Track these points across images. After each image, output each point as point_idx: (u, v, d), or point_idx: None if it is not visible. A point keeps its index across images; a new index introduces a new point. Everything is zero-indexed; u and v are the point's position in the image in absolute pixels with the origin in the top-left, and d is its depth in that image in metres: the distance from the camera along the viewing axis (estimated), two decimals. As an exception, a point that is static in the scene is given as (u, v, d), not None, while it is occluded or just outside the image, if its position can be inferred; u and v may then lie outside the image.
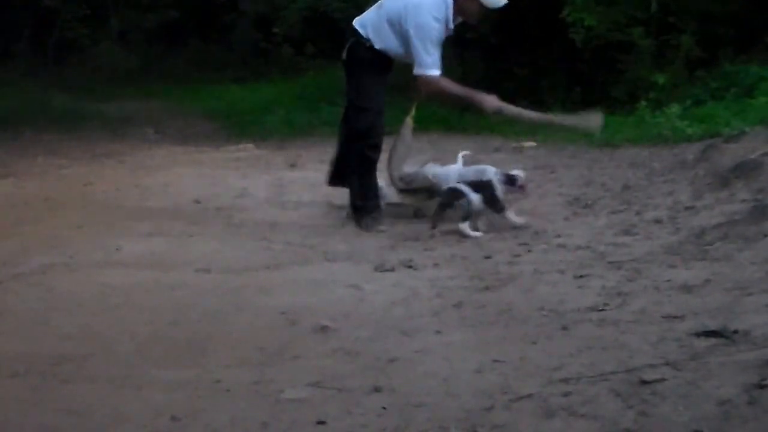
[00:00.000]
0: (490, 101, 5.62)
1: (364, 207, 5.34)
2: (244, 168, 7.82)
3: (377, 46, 5.40)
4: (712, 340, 2.84)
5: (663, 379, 2.56)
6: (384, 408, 2.57)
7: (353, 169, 5.45)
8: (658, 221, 4.91)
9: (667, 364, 2.68)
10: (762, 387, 2.39)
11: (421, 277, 4.08)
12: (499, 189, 5.03)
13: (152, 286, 4.03)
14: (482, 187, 4.99)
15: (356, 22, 5.56)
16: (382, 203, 5.46)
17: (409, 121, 5.84)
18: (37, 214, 5.68)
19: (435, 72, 5.38)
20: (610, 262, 4.11)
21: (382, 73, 5.57)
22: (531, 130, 10.94)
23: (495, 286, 3.86)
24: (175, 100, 15.28)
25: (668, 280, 3.67)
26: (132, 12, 17.98)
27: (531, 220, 5.40)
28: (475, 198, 4.91)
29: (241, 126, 12.12)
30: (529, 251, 4.53)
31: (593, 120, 6.02)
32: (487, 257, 4.44)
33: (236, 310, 3.67)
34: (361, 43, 5.42)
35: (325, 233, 5.13)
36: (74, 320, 3.53)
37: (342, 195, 5.71)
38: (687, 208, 5.07)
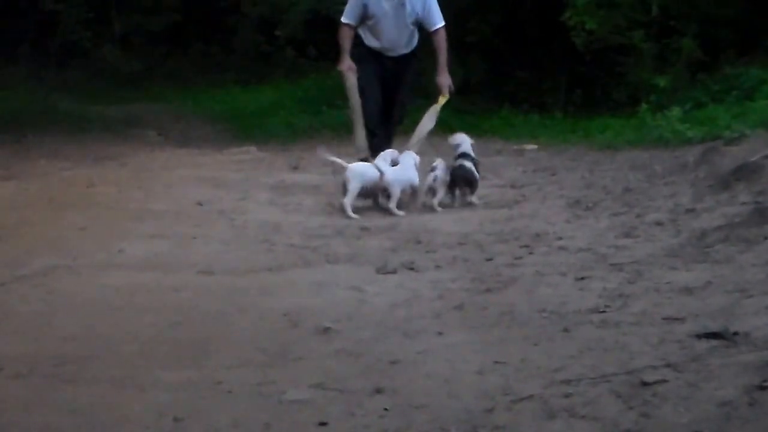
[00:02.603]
0: (343, 64, 6.63)
1: None
2: (247, 170, 7.84)
3: None
4: (713, 342, 2.85)
5: (664, 381, 2.57)
6: (386, 409, 2.58)
7: None
8: (659, 223, 4.92)
9: (667, 365, 2.69)
10: (762, 388, 2.39)
11: (423, 279, 4.09)
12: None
13: (155, 287, 4.04)
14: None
15: None
16: None
17: (436, 107, 6.68)
18: (39, 216, 5.69)
19: (344, 19, 6.64)
20: (611, 264, 4.12)
21: None
22: (532, 132, 10.97)
23: (496, 288, 3.87)
24: (178, 102, 15.30)
25: (669, 282, 3.68)
26: (135, 15, 17.99)
27: (532, 222, 5.42)
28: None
29: (243, 128, 12.15)
30: (530, 253, 4.54)
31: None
32: (489, 259, 4.45)
33: (238, 311, 3.67)
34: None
35: (326, 235, 5.14)
36: (77, 321, 3.54)
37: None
38: (688, 211, 5.08)
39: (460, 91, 13.57)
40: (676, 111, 8.89)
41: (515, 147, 9.68)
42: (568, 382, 2.66)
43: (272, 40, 16.63)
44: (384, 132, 6.75)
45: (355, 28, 6.67)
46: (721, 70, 10.34)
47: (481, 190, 6.82)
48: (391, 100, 6.84)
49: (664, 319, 3.19)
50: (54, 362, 3.03)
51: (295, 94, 14.93)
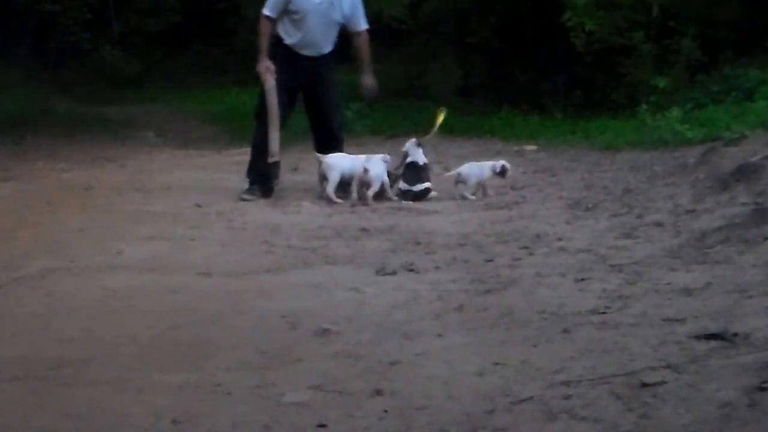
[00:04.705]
0: (261, 65, 6.43)
1: None
2: (246, 171, 7.81)
3: None
4: (713, 343, 2.85)
5: (663, 382, 2.56)
6: (385, 411, 2.57)
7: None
8: (658, 224, 4.91)
9: (667, 366, 2.68)
10: (762, 390, 2.39)
11: (422, 281, 4.08)
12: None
13: (153, 289, 4.03)
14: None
15: None
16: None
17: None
18: (38, 217, 5.68)
19: (265, 11, 6.44)
20: (611, 265, 4.12)
21: None
22: (532, 133, 10.97)
23: (496, 289, 3.86)
24: (177, 103, 15.31)
25: (669, 283, 3.68)
26: (133, 16, 18.00)
27: (532, 223, 5.41)
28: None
29: (242, 130, 12.10)
30: (530, 254, 4.54)
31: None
32: (489, 260, 4.44)
33: (237, 313, 3.67)
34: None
35: (326, 236, 5.14)
36: (75, 324, 3.53)
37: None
38: (688, 212, 5.08)
39: (460, 92, 13.66)
40: (675, 112, 8.89)
41: (515, 148, 9.68)
42: (567, 383, 2.65)
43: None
44: (328, 138, 6.64)
45: (274, 21, 6.45)
46: (721, 71, 10.35)
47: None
48: (316, 106, 6.68)
49: (663, 320, 3.19)
50: (52, 365, 3.03)
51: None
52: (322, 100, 6.65)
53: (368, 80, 6.68)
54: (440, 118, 6.97)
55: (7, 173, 7.66)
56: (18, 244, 4.93)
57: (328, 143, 6.58)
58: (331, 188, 6.24)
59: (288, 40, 6.48)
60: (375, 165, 6.37)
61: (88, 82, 16.30)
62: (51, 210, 5.97)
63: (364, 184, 6.28)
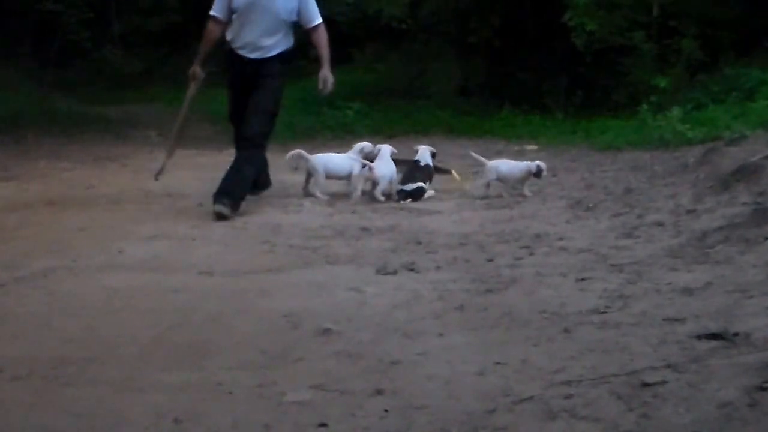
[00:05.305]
0: (193, 70, 6.20)
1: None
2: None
3: None
4: (713, 343, 2.85)
5: (664, 382, 2.56)
6: (386, 410, 2.57)
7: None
8: (659, 224, 4.92)
9: (668, 366, 2.69)
10: (763, 389, 2.39)
11: (423, 280, 4.09)
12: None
13: (154, 289, 4.03)
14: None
15: None
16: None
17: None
18: (39, 217, 5.69)
19: (211, 12, 6.08)
20: (611, 265, 4.12)
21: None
22: (532, 133, 10.98)
23: (497, 289, 3.87)
24: (178, 103, 15.17)
25: (669, 283, 3.68)
26: (135, 16, 18.01)
27: (533, 222, 5.42)
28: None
29: (243, 129, 12.13)
30: (530, 254, 4.54)
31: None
32: (489, 260, 4.45)
33: (238, 313, 3.67)
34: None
35: (327, 236, 5.14)
36: (76, 323, 3.53)
37: (344, 197, 5.74)
38: (688, 211, 5.09)
39: (460, 91, 13.67)
40: (676, 112, 8.92)
41: (516, 148, 9.70)
42: (568, 383, 2.66)
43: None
44: (242, 138, 6.12)
45: (224, 24, 6.05)
46: (722, 71, 10.37)
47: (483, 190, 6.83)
48: (248, 105, 6.10)
49: (664, 319, 3.19)
50: (53, 364, 3.03)
51: (295, 95, 14.93)
52: (253, 100, 6.06)
53: (324, 74, 6.13)
54: (456, 176, 7.09)
55: (8, 173, 7.67)
56: (19, 244, 4.94)
57: (241, 143, 6.11)
58: (319, 187, 6.49)
59: (231, 42, 6.14)
60: (383, 162, 6.52)
61: (90, 81, 16.32)
62: (52, 209, 5.98)
63: (371, 182, 6.46)
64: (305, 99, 14.26)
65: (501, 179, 6.61)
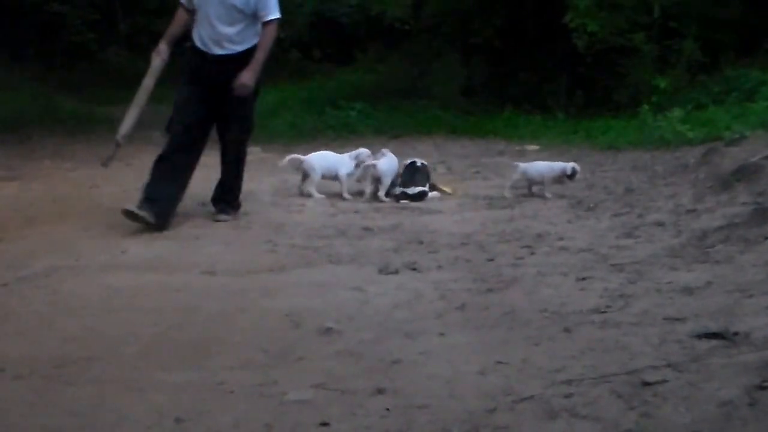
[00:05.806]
0: (159, 47, 5.83)
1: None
2: (250, 171, 7.80)
3: None
4: (713, 342, 2.86)
5: (664, 381, 2.57)
6: (387, 409, 2.58)
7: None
8: (659, 224, 4.93)
9: (668, 365, 2.69)
10: (763, 388, 2.40)
11: (425, 280, 4.10)
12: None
13: (157, 288, 4.04)
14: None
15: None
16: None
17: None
18: (43, 216, 5.70)
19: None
20: (612, 265, 4.13)
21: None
22: (534, 133, 10.98)
23: (498, 289, 3.87)
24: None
25: (670, 283, 3.69)
26: (140, 16, 18.01)
27: (534, 222, 5.43)
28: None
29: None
30: (531, 254, 4.55)
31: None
32: (490, 260, 4.46)
33: (240, 312, 3.68)
34: None
35: (329, 236, 5.15)
36: (79, 322, 3.54)
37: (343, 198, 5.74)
38: (688, 211, 5.10)
39: (462, 92, 13.67)
40: (676, 112, 8.92)
41: (517, 148, 9.70)
42: (569, 382, 2.67)
43: (277, 41, 16.67)
44: (227, 147, 5.92)
45: (189, 12, 5.66)
46: (722, 71, 10.38)
47: (483, 190, 6.86)
48: (222, 114, 5.72)
49: (664, 319, 3.20)
50: (56, 363, 3.04)
51: (299, 95, 14.96)
52: (224, 112, 5.72)
53: (245, 77, 5.51)
54: (448, 191, 6.93)
55: (13, 172, 7.68)
56: (23, 243, 4.95)
57: (226, 152, 5.96)
58: (313, 186, 6.58)
59: (194, 39, 5.73)
60: (386, 160, 6.59)
61: (95, 82, 16.30)
62: (56, 209, 5.99)
63: (375, 179, 6.50)
64: (309, 99, 14.29)
65: (533, 180, 6.58)
